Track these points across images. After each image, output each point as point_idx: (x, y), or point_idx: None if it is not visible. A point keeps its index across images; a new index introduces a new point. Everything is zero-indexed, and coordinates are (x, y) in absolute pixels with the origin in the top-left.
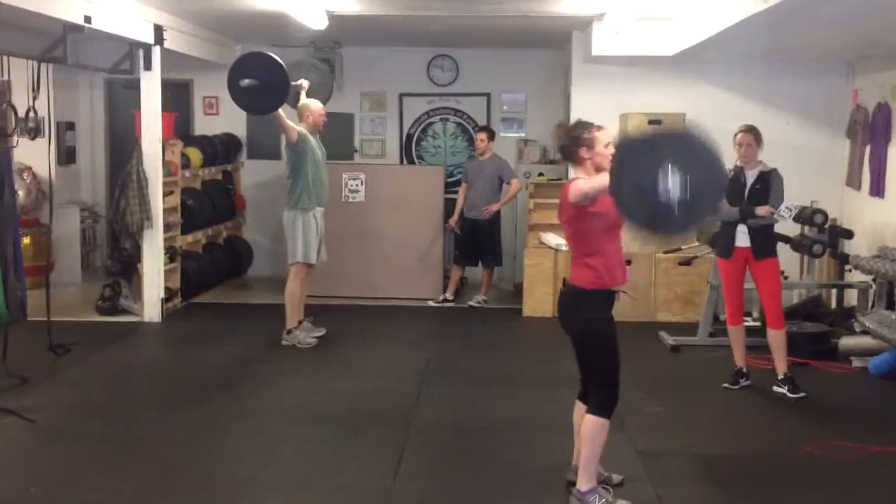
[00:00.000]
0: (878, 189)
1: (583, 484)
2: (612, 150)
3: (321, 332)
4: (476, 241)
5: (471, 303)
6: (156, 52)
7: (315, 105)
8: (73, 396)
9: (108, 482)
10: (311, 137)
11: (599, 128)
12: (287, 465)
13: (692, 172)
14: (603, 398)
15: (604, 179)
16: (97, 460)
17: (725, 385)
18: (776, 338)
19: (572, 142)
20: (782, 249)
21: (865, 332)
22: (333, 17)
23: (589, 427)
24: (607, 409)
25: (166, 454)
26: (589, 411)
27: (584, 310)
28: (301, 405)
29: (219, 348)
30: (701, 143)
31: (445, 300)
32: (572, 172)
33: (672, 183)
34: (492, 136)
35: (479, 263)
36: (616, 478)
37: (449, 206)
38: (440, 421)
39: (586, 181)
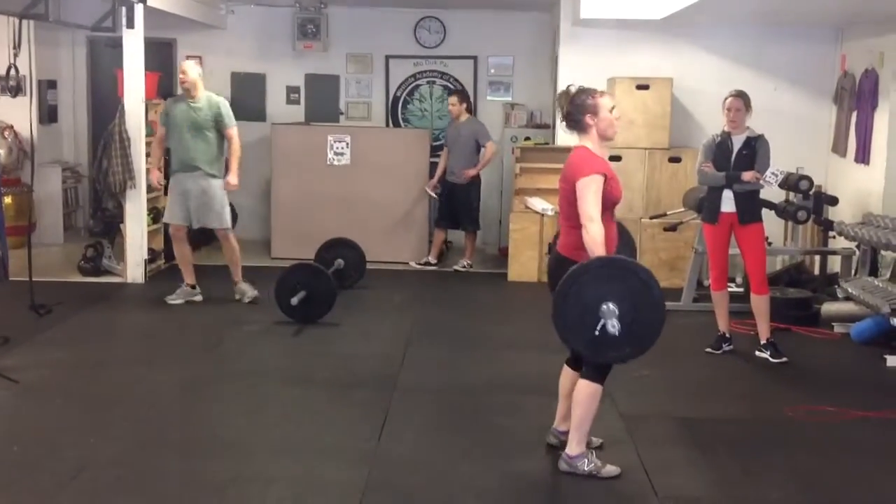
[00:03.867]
0: (863, 156)
1: (573, 448)
2: (616, 113)
3: (197, 297)
4: (454, 206)
5: (456, 267)
6: (139, 10)
7: (183, 67)
8: (56, 356)
9: (91, 442)
10: (175, 105)
11: (602, 93)
12: (271, 426)
13: (632, 310)
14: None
15: (596, 244)
16: (80, 420)
17: (708, 350)
18: (760, 303)
19: (577, 109)
20: (767, 215)
21: (848, 299)
22: None
23: (582, 392)
24: (601, 373)
25: (150, 414)
26: (583, 376)
27: (556, 276)
28: (285, 367)
29: (202, 310)
30: (642, 280)
31: (428, 263)
32: (577, 140)
33: (611, 323)
34: (463, 98)
35: (460, 228)
36: (595, 441)
37: (434, 169)
38: (425, 383)
39: (596, 210)
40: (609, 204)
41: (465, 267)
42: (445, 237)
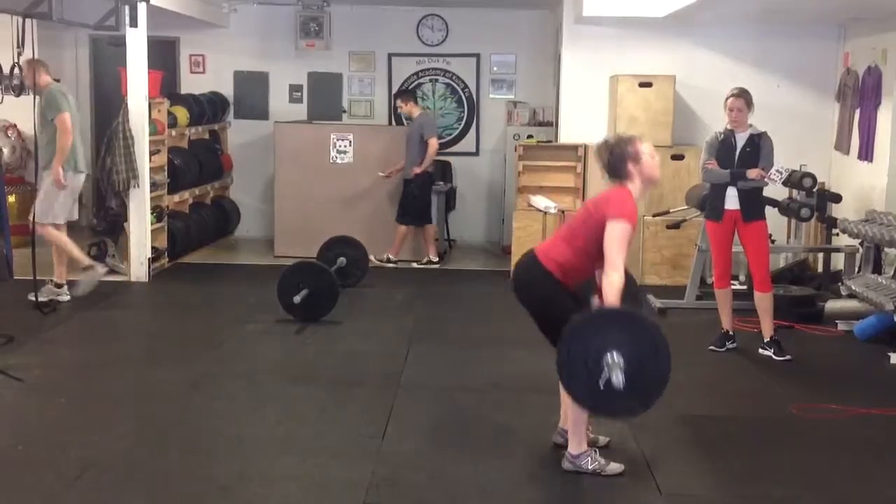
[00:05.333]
0: (866, 153)
1: (574, 447)
2: (658, 158)
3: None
4: (403, 200)
5: (416, 264)
6: (142, 9)
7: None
8: (60, 355)
9: (95, 440)
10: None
11: (640, 139)
12: (275, 424)
13: (637, 360)
14: None
15: (615, 294)
16: (84, 418)
17: (712, 348)
18: (763, 301)
19: (617, 159)
20: (770, 213)
21: (852, 296)
22: None
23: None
24: None
25: (153, 412)
26: None
27: (540, 287)
28: (288, 365)
29: (205, 308)
30: (647, 330)
31: (388, 260)
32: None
33: (615, 374)
34: (407, 97)
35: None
36: (602, 440)
37: (437, 167)
38: (428, 381)
39: (620, 258)
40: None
41: (382, 261)
42: (406, 233)
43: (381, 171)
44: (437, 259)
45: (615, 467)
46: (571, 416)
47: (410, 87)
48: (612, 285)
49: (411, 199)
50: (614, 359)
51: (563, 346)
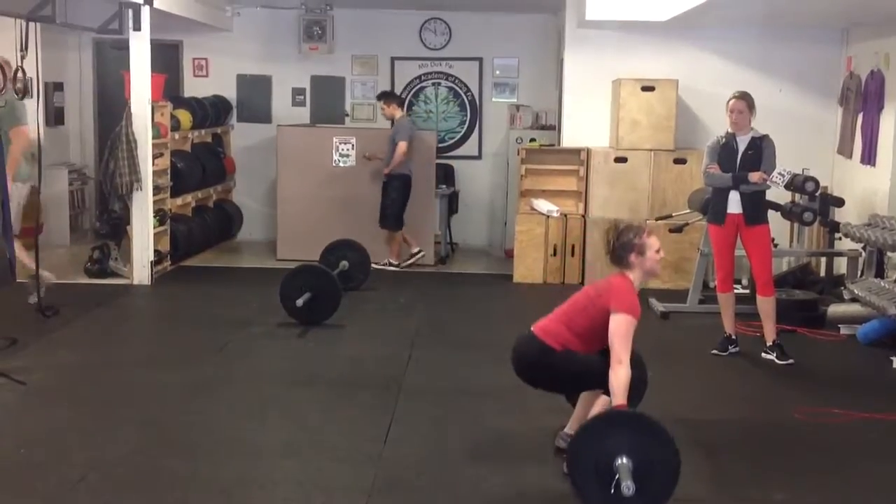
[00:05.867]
0: (869, 157)
1: None
2: (662, 254)
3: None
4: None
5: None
6: (145, 12)
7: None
8: (63, 358)
9: (97, 443)
10: None
11: (650, 233)
12: (277, 427)
13: (646, 464)
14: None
15: (621, 394)
16: (86, 422)
17: (714, 352)
18: (766, 305)
19: (623, 247)
20: (773, 217)
21: (854, 300)
22: None
23: (604, 405)
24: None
25: (156, 416)
26: (606, 393)
27: (544, 363)
28: (290, 369)
29: (208, 311)
30: (656, 436)
31: (390, 264)
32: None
33: (626, 484)
34: (389, 100)
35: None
36: None
37: (440, 170)
38: (431, 385)
39: (626, 355)
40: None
41: (384, 265)
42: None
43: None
44: (398, 264)
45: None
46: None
47: (412, 91)
48: (619, 380)
49: (389, 203)
50: (624, 463)
51: (572, 449)
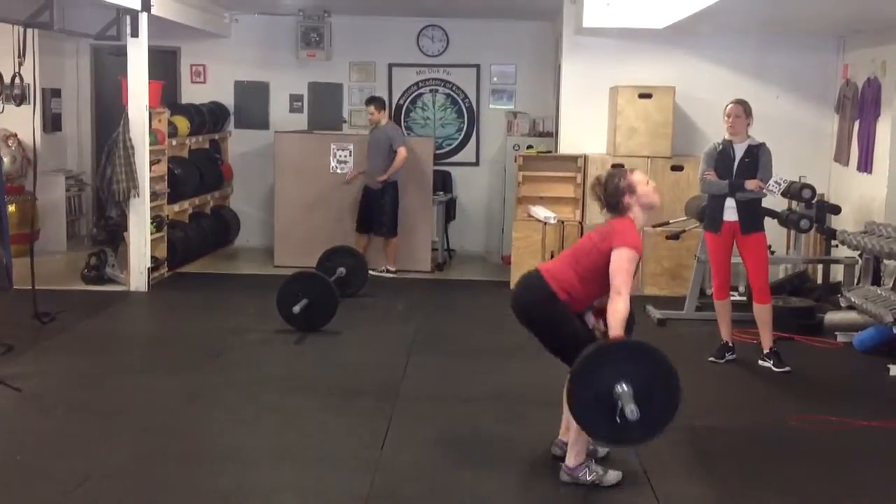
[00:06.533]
0: (865, 164)
1: (572, 459)
2: (653, 184)
3: None
4: (370, 210)
5: (373, 271)
6: (143, 19)
7: None
8: (59, 365)
9: (94, 451)
10: None
11: (633, 171)
12: (274, 435)
13: (647, 389)
14: None
15: (619, 324)
16: (83, 429)
17: (711, 359)
18: (762, 312)
19: (613, 194)
20: (769, 224)
21: (851, 308)
22: None
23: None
24: None
25: (153, 423)
26: None
27: (547, 310)
28: (288, 375)
29: (205, 318)
30: (655, 358)
31: (387, 271)
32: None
33: (630, 408)
34: (380, 106)
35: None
36: (601, 451)
37: (437, 177)
38: (427, 392)
39: (627, 287)
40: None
41: (382, 271)
42: (367, 242)
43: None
44: (395, 270)
45: (613, 476)
46: (574, 429)
47: (410, 98)
48: (617, 312)
49: (387, 211)
50: (625, 389)
51: (573, 379)
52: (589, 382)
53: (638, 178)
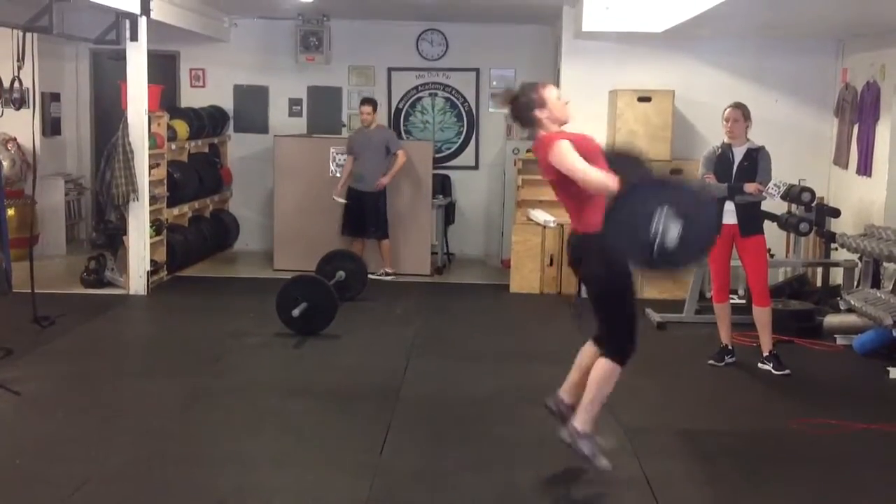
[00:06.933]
0: (865, 168)
1: (581, 423)
2: (564, 99)
3: None
4: (363, 213)
5: (373, 276)
6: (142, 23)
7: None
8: (58, 368)
9: (93, 454)
10: None
11: (544, 84)
12: (273, 438)
13: (686, 216)
14: (622, 345)
15: (604, 178)
16: (82, 432)
17: (711, 362)
18: (762, 315)
19: (523, 108)
20: (769, 227)
21: (850, 311)
22: None
23: (601, 370)
24: (625, 356)
25: (152, 426)
26: (605, 355)
27: (605, 259)
28: (287, 379)
29: (205, 321)
30: (683, 187)
31: (386, 274)
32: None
33: (668, 228)
34: (376, 107)
35: (367, 236)
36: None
37: (437, 181)
38: (427, 395)
39: (582, 163)
40: (593, 156)
41: (382, 275)
42: (362, 246)
43: (335, 195)
44: (393, 271)
45: (605, 463)
46: (589, 394)
47: (409, 101)
48: (593, 179)
49: (381, 212)
50: (665, 210)
51: (611, 211)
52: (626, 210)
53: (550, 92)
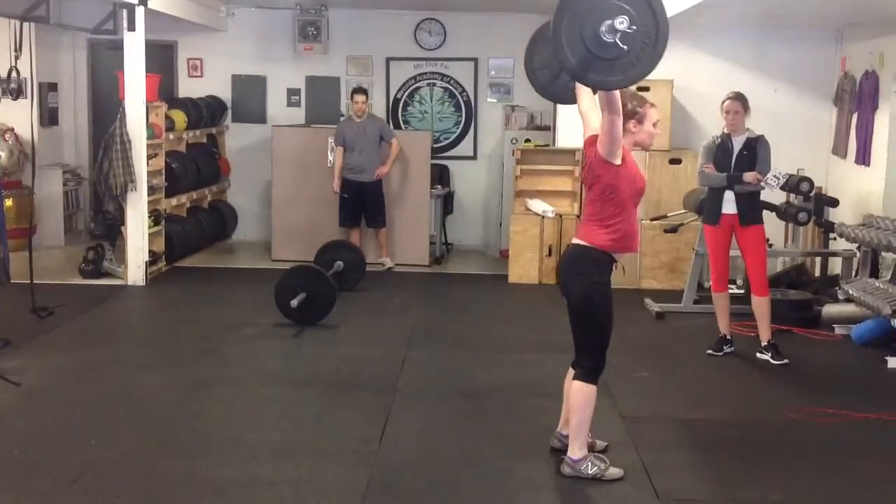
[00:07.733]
0: (863, 157)
1: (575, 451)
2: (659, 129)
3: None
4: (364, 204)
5: (385, 266)
6: (140, 13)
7: None
8: (57, 359)
9: (91, 444)
10: None
11: (652, 105)
12: (272, 428)
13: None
14: (591, 363)
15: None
16: (81, 422)
17: (709, 352)
18: (760, 305)
19: (624, 113)
20: (767, 217)
21: (849, 300)
22: None
23: (577, 395)
24: (594, 374)
25: (151, 417)
26: (576, 377)
27: (588, 272)
28: (286, 369)
29: (203, 312)
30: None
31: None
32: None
33: (619, 21)
34: (368, 96)
35: (368, 225)
36: (600, 444)
37: (435, 171)
38: (426, 386)
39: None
40: (637, 189)
41: (390, 268)
42: (360, 236)
43: (335, 188)
44: (392, 263)
45: (615, 472)
46: (574, 420)
47: (407, 91)
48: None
49: (381, 202)
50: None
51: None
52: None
53: (652, 114)
